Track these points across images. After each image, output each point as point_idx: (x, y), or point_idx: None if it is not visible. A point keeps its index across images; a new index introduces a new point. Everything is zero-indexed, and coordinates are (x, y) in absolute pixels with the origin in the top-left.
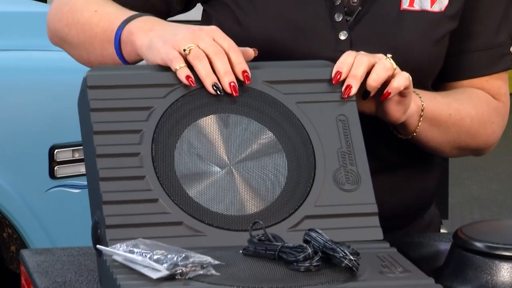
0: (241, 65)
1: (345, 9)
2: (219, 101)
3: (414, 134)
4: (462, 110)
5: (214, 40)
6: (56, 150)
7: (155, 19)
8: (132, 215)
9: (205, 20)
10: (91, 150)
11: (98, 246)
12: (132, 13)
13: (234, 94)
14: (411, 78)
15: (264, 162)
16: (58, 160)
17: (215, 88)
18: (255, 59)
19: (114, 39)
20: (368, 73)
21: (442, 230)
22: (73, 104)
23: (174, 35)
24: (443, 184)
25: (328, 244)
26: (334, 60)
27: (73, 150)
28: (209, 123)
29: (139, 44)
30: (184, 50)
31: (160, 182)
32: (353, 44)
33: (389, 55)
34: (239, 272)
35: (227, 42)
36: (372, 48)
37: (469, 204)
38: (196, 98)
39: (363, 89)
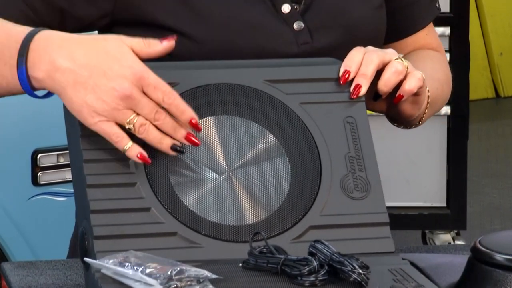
0: (185, 115)
1: None
2: (216, 101)
3: (419, 122)
4: (440, 79)
5: (144, 92)
6: (39, 155)
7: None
8: (122, 225)
9: None
10: (77, 155)
11: (85, 258)
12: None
13: (197, 142)
14: (424, 77)
15: (265, 168)
16: (41, 165)
17: (174, 149)
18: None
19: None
20: (378, 71)
21: (459, 242)
22: (58, 105)
23: (99, 97)
24: (461, 192)
25: (335, 257)
26: (300, 56)
27: (57, 155)
28: (206, 126)
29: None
30: (129, 128)
31: (152, 189)
32: (312, 32)
33: (400, 55)
34: (239, 287)
35: (159, 90)
36: (330, 31)
37: (489, 214)
38: (191, 99)
39: (373, 89)
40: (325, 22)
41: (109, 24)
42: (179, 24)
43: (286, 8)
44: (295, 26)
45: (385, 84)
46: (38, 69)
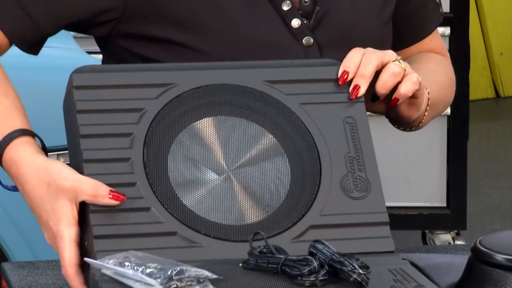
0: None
1: (300, 12)
2: (216, 102)
3: (419, 124)
4: (443, 82)
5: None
6: None
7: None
8: (122, 224)
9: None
10: (77, 155)
11: (85, 258)
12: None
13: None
14: (420, 79)
15: (265, 168)
16: None
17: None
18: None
19: None
20: (377, 72)
21: (459, 242)
22: (58, 105)
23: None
24: (461, 192)
25: (335, 257)
26: None
27: (57, 155)
28: (205, 126)
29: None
30: None
31: (152, 189)
32: (322, 48)
33: (398, 57)
34: (239, 287)
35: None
36: (340, 47)
37: (489, 214)
38: (191, 99)
39: (371, 90)
40: (335, 38)
41: (114, 34)
42: (188, 38)
43: (296, 22)
44: (304, 41)
45: (382, 86)
46: (8, 172)
